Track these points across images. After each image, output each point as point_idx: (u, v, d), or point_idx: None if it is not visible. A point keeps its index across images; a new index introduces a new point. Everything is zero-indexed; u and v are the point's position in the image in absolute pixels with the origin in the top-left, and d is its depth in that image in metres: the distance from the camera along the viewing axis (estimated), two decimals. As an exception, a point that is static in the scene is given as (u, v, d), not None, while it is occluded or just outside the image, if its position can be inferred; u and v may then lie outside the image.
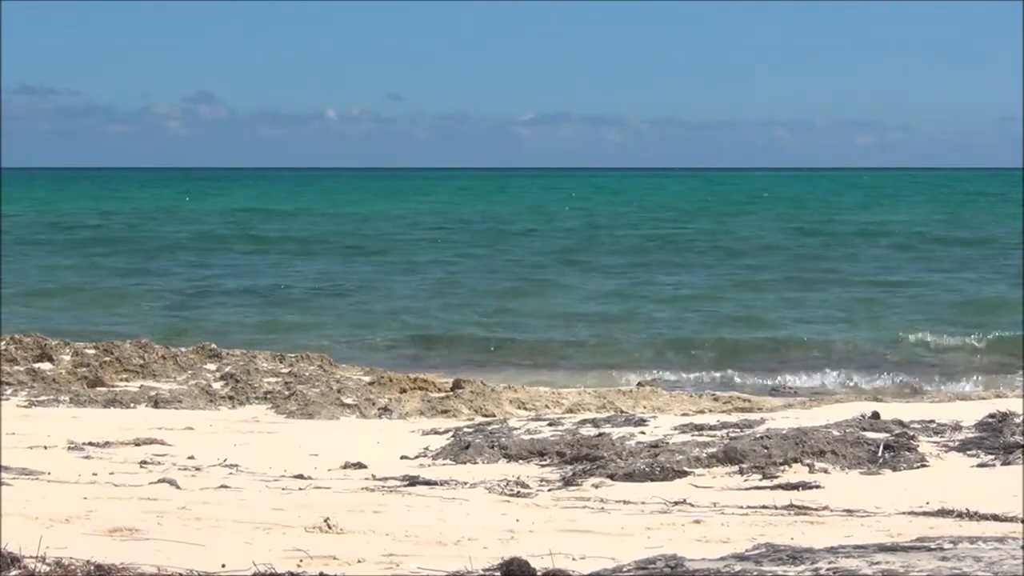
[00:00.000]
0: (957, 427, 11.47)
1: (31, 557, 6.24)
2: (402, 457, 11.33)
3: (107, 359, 16.32)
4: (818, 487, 9.48)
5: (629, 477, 9.95)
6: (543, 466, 10.74)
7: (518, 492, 9.55)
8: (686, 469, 10.13)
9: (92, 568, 6.10)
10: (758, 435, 10.96)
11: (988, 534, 6.75)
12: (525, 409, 14.39)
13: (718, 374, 19.29)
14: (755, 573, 5.59)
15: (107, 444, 11.56)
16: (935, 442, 10.98)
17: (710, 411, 14.16)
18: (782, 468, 10.08)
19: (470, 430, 12.37)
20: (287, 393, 14.77)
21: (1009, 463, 10.08)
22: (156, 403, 14.33)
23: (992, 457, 10.33)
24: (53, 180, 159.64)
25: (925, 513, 8.46)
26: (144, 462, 10.66)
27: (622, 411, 13.93)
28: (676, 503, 8.95)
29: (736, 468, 10.18)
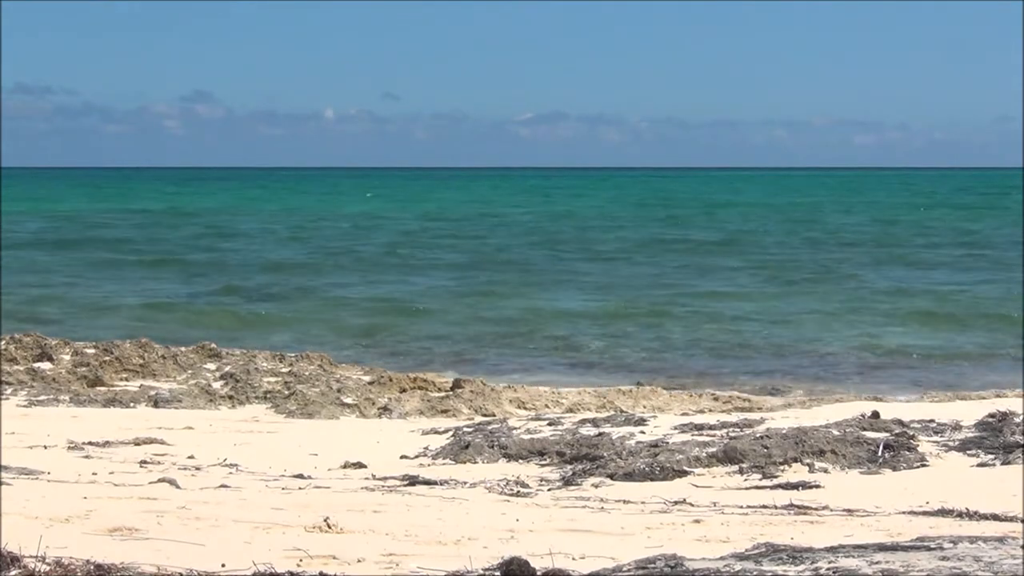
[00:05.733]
0: (957, 427, 11.48)
1: (31, 557, 6.24)
2: (402, 457, 11.33)
3: (107, 359, 16.32)
4: (818, 487, 9.48)
5: (629, 477, 9.95)
6: (543, 466, 10.74)
7: (518, 492, 9.55)
8: (686, 469, 10.13)
9: (92, 568, 6.09)
10: (758, 435, 10.96)
11: (988, 534, 6.75)
12: (525, 409, 14.39)
13: (718, 374, 19.27)
14: (755, 573, 5.59)
15: (107, 444, 11.56)
16: (935, 442, 10.98)
17: (710, 411, 14.16)
18: (782, 468, 10.09)
19: (470, 430, 12.37)
20: (287, 393, 14.77)
21: (1009, 463, 10.09)
22: (156, 403, 14.33)
23: (992, 457, 10.33)
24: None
25: (925, 513, 8.46)
26: (144, 462, 10.65)
27: (622, 411, 13.93)
28: (676, 503, 8.94)
29: (736, 468, 10.18)
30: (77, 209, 73.35)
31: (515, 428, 12.36)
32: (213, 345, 17.43)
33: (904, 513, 8.46)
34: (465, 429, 12.45)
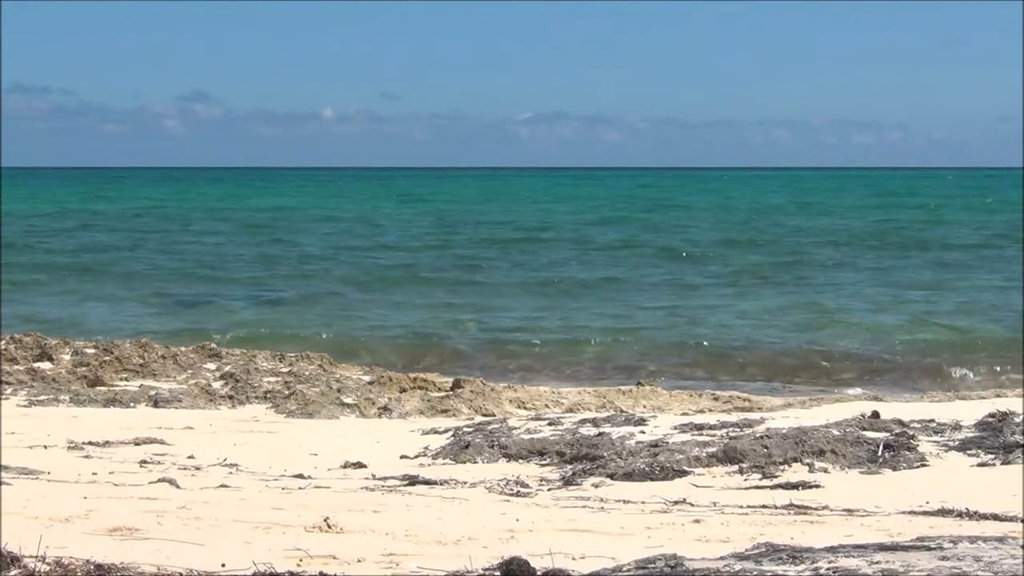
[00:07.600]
0: (957, 426, 11.48)
1: (31, 556, 6.24)
2: (402, 457, 11.34)
3: (107, 358, 16.33)
4: (818, 487, 9.48)
5: (629, 477, 9.95)
6: (543, 466, 10.75)
7: (518, 492, 9.55)
8: (686, 469, 10.14)
9: (92, 568, 6.10)
10: (758, 434, 10.96)
11: (988, 534, 6.75)
12: (525, 408, 14.40)
13: (718, 374, 19.27)
14: (755, 572, 5.59)
15: (107, 443, 11.57)
16: (935, 441, 10.99)
17: (710, 410, 14.16)
18: (782, 468, 10.09)
19: (470, 430, 12.37)
20: (287, 392, 14.77)
21: (1009, 463, 10.09)
22: (156, 402, 14.34)
23: (992, 457, 10.33)
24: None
25: (925, 513, 8.46)
26: (144, 461, 10.66)
27: (622, 410, 13.93)
28: (676, 503, 8.95)
29: (736, 468, 10.18)
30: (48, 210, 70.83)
31: (515, 428, 12.36)
32: (213, 345, 17.46)
33: (904, 513, 8.46)
34: (465, 429, 12.46)
